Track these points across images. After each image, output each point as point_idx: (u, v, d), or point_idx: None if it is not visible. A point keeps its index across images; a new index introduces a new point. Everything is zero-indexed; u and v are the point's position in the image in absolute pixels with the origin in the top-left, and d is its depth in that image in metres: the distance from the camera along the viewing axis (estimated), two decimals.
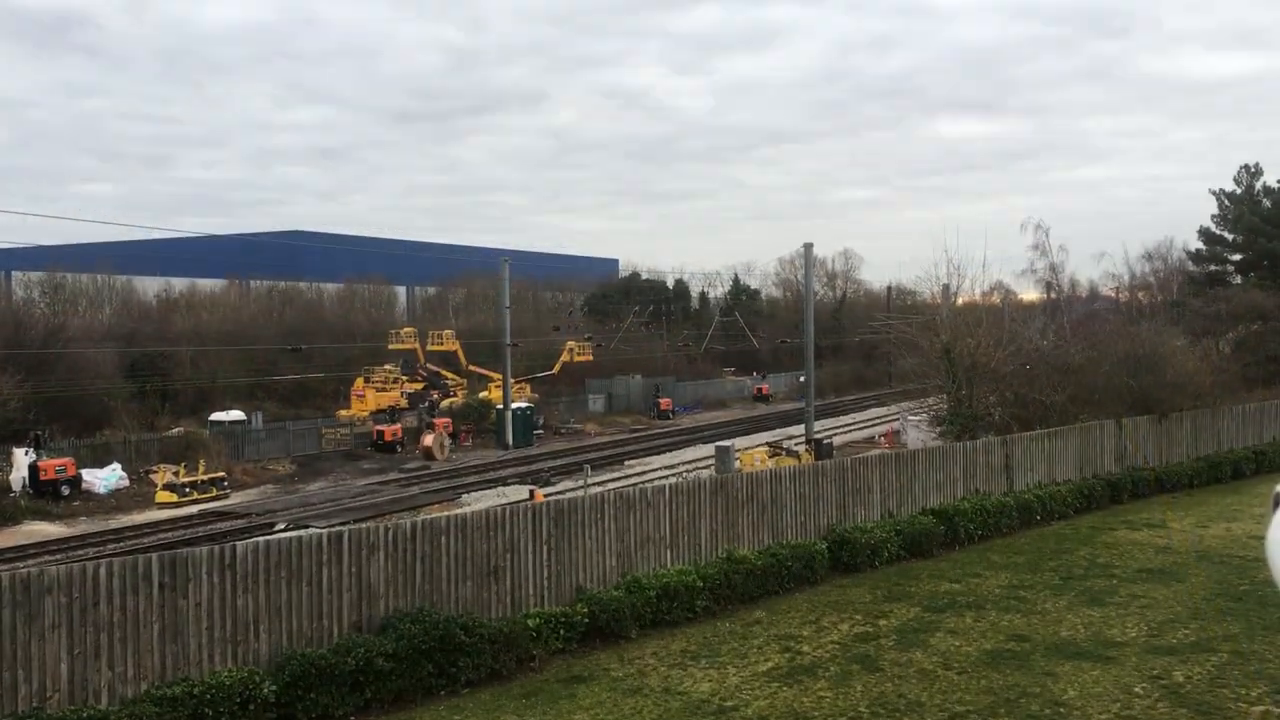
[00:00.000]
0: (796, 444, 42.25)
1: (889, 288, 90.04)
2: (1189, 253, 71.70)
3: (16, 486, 37.37)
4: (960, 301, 38.65)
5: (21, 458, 37.98)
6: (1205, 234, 66.56)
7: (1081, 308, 61.65)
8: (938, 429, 35.12)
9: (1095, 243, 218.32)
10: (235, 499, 39.39)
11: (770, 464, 35.60)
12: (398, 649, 13.53)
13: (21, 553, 29.61)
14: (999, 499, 25.02)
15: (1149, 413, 32.23)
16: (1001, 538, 24.01)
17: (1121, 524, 25.72)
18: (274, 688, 12.55)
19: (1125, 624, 16.77)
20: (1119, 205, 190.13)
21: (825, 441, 41.49)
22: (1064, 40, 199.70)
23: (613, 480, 39.79)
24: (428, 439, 49.97)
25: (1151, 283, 79.58)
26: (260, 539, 14.24)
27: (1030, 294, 68.11)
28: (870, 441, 49.50)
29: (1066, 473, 28.61)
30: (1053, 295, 65.51)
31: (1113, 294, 76.81)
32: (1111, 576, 20.11)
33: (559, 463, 46.17)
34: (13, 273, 77.86)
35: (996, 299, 48.52)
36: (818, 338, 49.74)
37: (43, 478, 37.43)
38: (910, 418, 43.29)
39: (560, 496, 26.38)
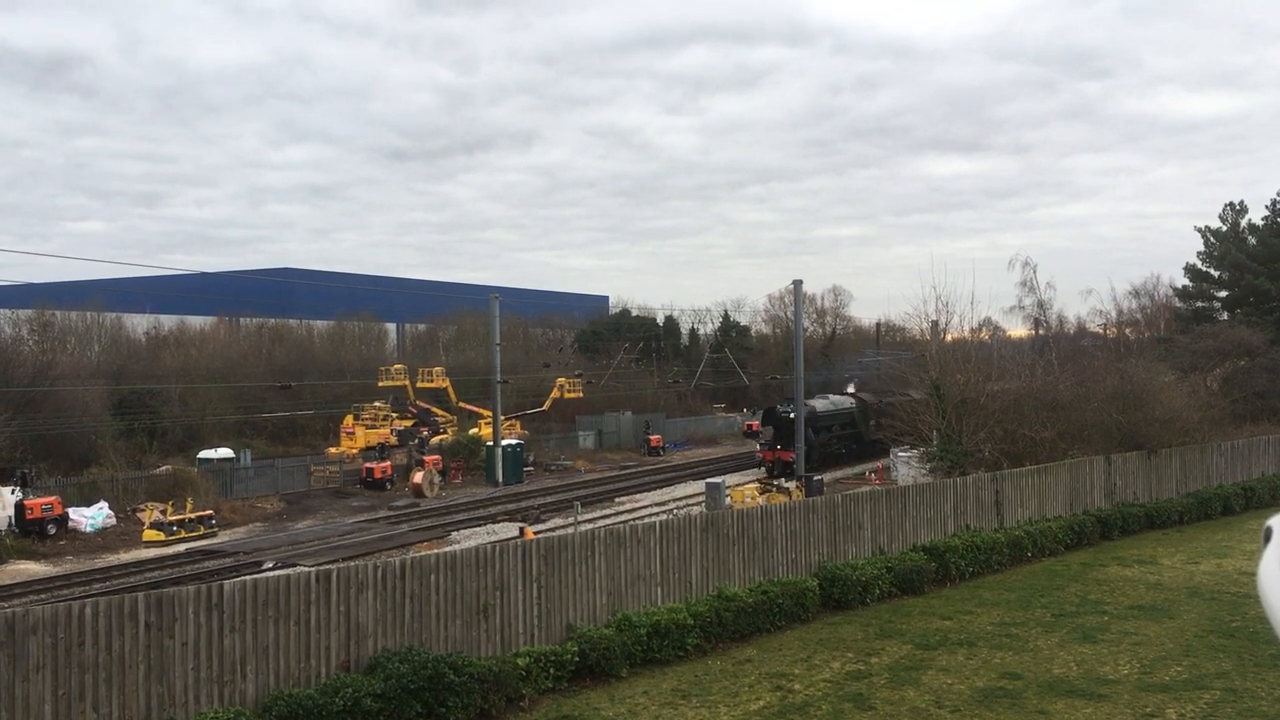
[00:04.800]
0: (787, 481, 42.18)
1: (878, 324, 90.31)
2: (1175, 289, 72.18)
3: (2, 525, 37.04)
4: (949, 338, 38.79)
5: (8, 496, 37.66)
6: (1191, 271, 67.00)
7: (1069, 344, 61.87)
8: (928, 465, 35.12)
9: (1082, 279, 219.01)
10: (223, 537, 39.09)
11: (761, 501, 35.54)
12: (386, 689, 13.41)
13: (7, 593, 29.32)
14: (990, 535, 25.00)
15: (1138, 449, 32.31)
16: (992, 574, 23.97)
17: (1112, 560, 25.71)
18: None
19: (1117, 661, 16.72)
20: (1105, 242, 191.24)
21: (816, 478, 41.41)
22: (1047, 81, 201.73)
23: (603, 517, 39.63)
24: (417, 476, 49.74)
25: (1139, 319, 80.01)
26: (248, 578, 14.16)
27: (1018, 330, 68.51)
28: (861, 478, 49.45)
29: (1057, 509, 28.63)
30: (1041, 331, 65.84)
31: (1100, 330, 77.16)
32: (1103, 613, 20.07)
33: (549, 500, 45.98)
34: (0, 310, 77.69)
35: (985, 335, 48.77)
36: (808, 374, 49.80)
37: (29, 516, 37.10)
38: (900, 454, 43.27)
39: (550, 534, 26.26)
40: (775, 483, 41.07)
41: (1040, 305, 66.34)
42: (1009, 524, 26.57)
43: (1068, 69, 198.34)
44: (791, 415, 50.74)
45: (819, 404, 55.93)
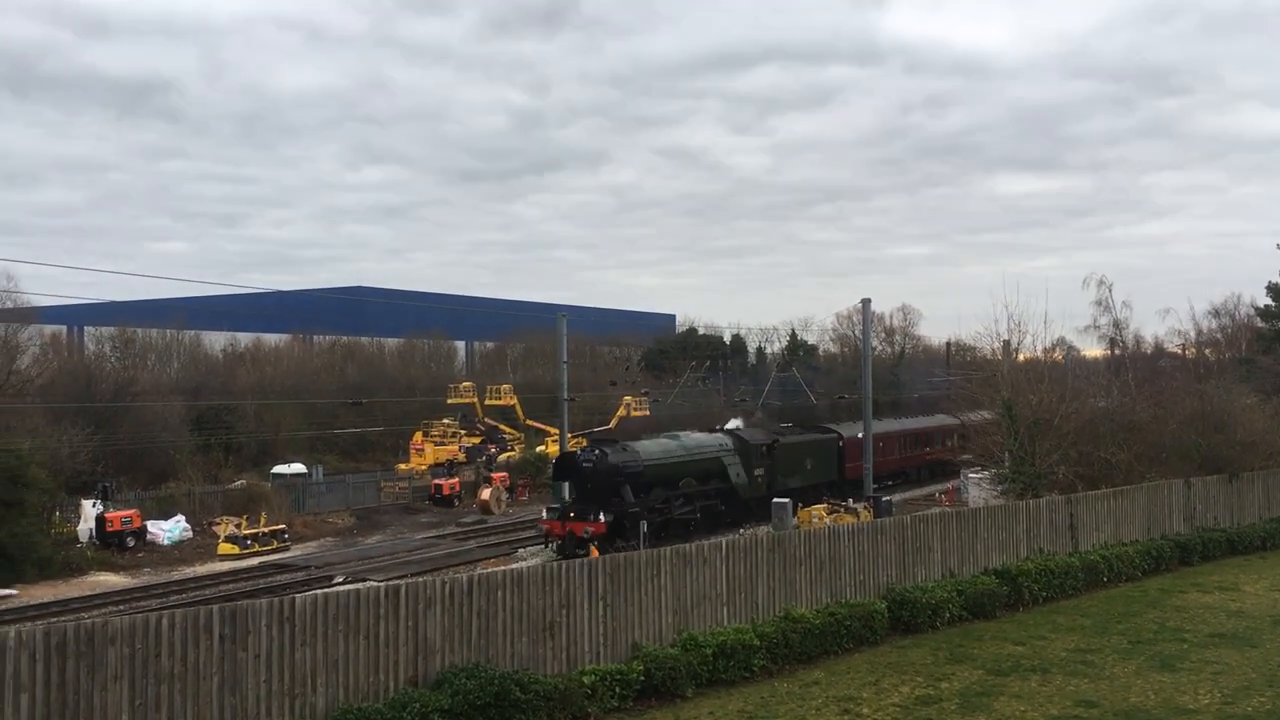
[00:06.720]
0: (855, 501, 41.74)
1: (948, 343, 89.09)
2: (1257, 309, 70.17)
3: (84, 537, 38.06)
4: (1021, 358, 38.14)
5: (89, 509, 38.69)
6: (1274, 289, 65.08)
7: (1146, 364, 60.50)
8: (999, 487, 34.54)
9: (1160, 299, 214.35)
10: (295, 551, 39.72)
11: (829, 521, 35.20)
12: (453, 705, 13.49)
13: (87, 603, 30.07)
14: (1064, 559, 24.50)
15: (1219, 472, 31.51)
16: (1066, 599, 23.48)
17: (1192, 586, 25.05)
18: None
19: (1197, 690, 16.27)
20: (1184, 261, 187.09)
21: (884, 499, 40.92)
22: (1123, 98, 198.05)
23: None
24: (485, 493, 50.10)
25: (1219, 339, 77.91)
26: (319, 592, 14.37)
27: (1093, 350, 67.12)
28: (930, 499, 48.77)
29: (1133, 533, 27.99)
30: (1117, 351, 64.43)
31: (1179, 350, 75.34)
32: (1182, 641, 19.55)
33: None
34: (85, 328, 79.96)
35: (1059, 355, 47.86)
36: (876, 393, 49.34)
37: (109, 529, 38.07)
38: (971, 475, 42.62)
39: (616, 552, 26.26)
40: (843, 503, 40.63)
41: (1116, 325, 64.84)
42: (1084, 548, 26.01)
43: (1145, 86, 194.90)
44: (593, 466, 35.79)
45: (648, 446, 39.06)
